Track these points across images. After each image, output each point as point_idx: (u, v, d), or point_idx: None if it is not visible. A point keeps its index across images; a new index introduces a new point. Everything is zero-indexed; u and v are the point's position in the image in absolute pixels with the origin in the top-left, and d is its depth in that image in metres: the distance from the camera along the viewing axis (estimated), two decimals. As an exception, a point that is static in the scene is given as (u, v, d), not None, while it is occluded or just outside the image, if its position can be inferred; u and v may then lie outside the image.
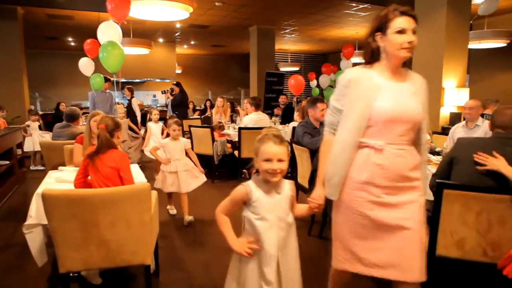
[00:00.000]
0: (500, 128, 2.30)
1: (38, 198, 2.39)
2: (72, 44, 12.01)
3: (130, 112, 7.92)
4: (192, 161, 4.00)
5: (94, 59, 7.70)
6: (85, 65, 7.34)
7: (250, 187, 1.68)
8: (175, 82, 8.29)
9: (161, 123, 6.06)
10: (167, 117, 7.35)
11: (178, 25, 9.70)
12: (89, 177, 2.53)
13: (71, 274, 2.76)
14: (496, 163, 2.05)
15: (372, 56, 1.81)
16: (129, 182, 2.44)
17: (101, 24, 5.52)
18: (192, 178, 3.96)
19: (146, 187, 2.19)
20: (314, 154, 3.34)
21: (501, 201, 2.03)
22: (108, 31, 5.39)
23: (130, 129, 6.65)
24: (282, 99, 8.13)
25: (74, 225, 2.08)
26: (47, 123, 8.51)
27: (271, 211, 1.66)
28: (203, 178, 4.06)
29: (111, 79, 6.74)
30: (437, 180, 2.18)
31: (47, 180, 2.94)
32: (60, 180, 2.84)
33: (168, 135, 4.12)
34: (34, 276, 2.83)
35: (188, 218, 3.94)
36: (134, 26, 8.66)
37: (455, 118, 5.51)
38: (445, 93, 5.64)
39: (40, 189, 2.50)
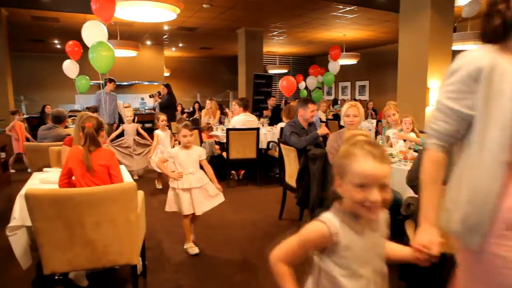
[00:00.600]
0: None
1: (21, 200, 2.36)
2: (58, 46, 11.86)
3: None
4: (208, 176, 3.24)
5: (79, 61, 7.64)
6: (69, 67, 7.27)
7: (334, 226, 1.10)
8: (164, 84, 8.28)
9: (169, 130, 5.40)
10: (155, 120, 7.05)
11: (165, 27, 9.66)
12: (73, 178, 2.52)
13: (56, 277, 2.75)
14: None
15: (497, 33, 1.23)
16: (118, 180, 2.44)
17: (85, 24, 5.47)
18: (206, 197, 3.18)
19: (132, 186, 2.17)
20: (301, 153, 3.36)
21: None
22: (92, 31, 5.35)
23: (138, 134, 5.89)
24: (271, 101, 8.16)
25: (59, 225, 2.06)
26: (33, 127, 8.40)
27: (366, 263, 1.14)
28: (220, 198, 3.26)
29: (100, 82, 6.67)
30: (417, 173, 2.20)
31: (31, 181, 2.90)
32: (44, 181, 2.81)
33: (178, 142, 3.32)
34: (19, 280, 2.79)
35: (194, 250, 3.25)
36: (121, 28, 8.61)
37: (440, 118, 5.58)
38: (430, 93, 5.72)
39: (23, 191, 2.47)
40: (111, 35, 6.17)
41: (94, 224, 2.11)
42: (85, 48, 5.97)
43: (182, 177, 3.10)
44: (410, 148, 3.58)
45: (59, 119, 4.50)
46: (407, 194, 2.87)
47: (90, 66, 5.74)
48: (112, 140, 5.79)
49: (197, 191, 3.12)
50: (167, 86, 8.15)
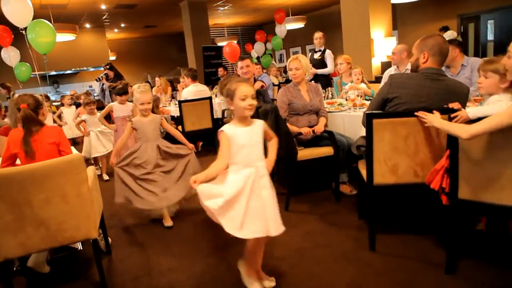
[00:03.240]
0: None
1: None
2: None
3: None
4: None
5: (19, 47, 7.11)
6: (9, 55, 6.76)
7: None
8: (107, 66, 7.87)
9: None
10: (106, 105, 6.71)
11: (103, 7, 9.16)
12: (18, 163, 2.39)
13: (15, 268, 2.64)
14: (431, 119, 2.07)
15: None
16: None
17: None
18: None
19: (78, 157, 2.08)
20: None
21: (424, 123, 2.16)
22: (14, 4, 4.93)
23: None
24: (220, 71, 8.04)
25: (3, 207, 1.94)
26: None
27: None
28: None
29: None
30: (366, 112, 2.28)
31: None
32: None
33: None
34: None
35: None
36: (54, 11, 8.06)
37: (386, 67, 5.77)
38: (374, 44, 5.87)
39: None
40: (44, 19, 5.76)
41: (43, 201, 2.01)
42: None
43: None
44: (358, 96, 3.68)
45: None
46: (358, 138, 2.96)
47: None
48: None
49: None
50: (111, 68, 7.78)
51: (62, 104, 7.25)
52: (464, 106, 2.24)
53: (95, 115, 4.88)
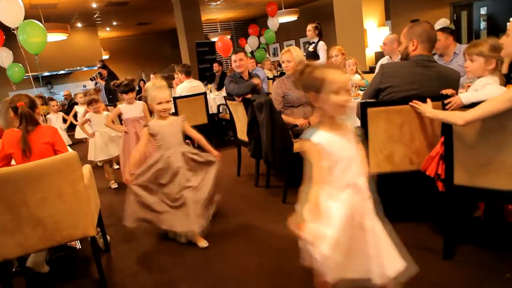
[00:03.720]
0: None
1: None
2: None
3: None
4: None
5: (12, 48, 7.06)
6: (1, 56, 6.71)
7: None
8: (100, 65, 7.82)
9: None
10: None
11: (94, 5, 9.08)
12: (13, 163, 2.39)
13: (14, 269, 2.64)
14: (424, 109, 2.09)
15: None
16: None
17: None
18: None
19: (73, 155, 2.07)
20: (247, 105, 3.35)
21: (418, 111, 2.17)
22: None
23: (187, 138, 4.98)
24: (215, 67, 8.01)
25: (0, 208, 1.94)
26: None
27: None
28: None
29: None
30: (360, 101, 2.28)
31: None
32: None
33: None
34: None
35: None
36: (44, 11, 7.99)
37: (380, 57, 5.77)
38: (367, 34, 5.86)
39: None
40: (35, 20, 5.71)
41: (39, 201, 2.01)
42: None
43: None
44: (353, 86, 3.70)
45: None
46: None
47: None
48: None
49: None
50: (104, 66, 7.74)
51: (48, 112, 6.67)
52: (456, 91, 2.25)
53: (100, 113, 4.40)
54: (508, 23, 1.83)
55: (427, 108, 2.06)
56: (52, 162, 2.02)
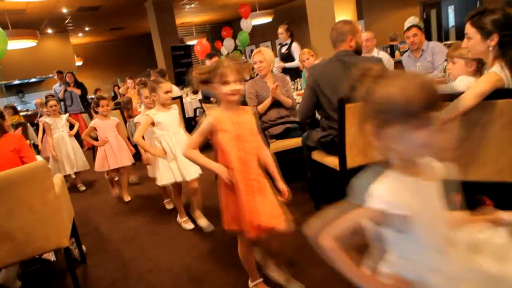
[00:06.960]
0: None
1: None
2: None
3: None
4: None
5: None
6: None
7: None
8: (64, 73, 7.78)
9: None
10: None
11: (64, 10, 8.87)
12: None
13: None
14: None
15: None
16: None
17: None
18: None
19: (42, 164, 2.01)
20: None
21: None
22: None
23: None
24: (192, 70, 7.98)
25: (-36, 222, 1.86)
26: None
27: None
28: None
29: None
30: (338, 98, 2.29)
31: None
32: None
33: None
34: None
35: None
36: (12, 17, 7.74)
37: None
38: (341, 34, 5.93)
39: None
40: (1, 26, 5.53)
41: (6, 213, 1.93)
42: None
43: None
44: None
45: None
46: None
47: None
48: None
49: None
50: (71, 73, 7.73)
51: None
52: None
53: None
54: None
55: None
56: (19, 172, 1.95)
